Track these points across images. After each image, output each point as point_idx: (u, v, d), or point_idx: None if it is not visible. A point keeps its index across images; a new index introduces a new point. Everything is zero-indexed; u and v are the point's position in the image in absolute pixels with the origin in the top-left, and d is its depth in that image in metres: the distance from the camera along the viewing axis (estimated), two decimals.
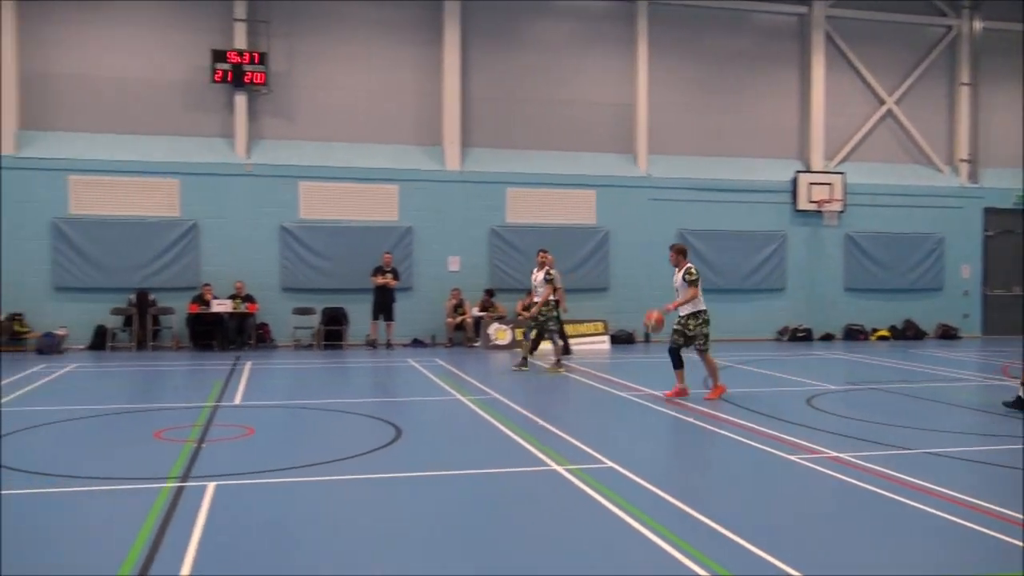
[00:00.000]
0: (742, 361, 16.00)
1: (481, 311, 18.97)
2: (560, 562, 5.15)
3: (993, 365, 15.77)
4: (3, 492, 6.52)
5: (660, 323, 11.52)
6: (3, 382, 12.55)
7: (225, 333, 17.83)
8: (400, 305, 18.63)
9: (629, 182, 20.41)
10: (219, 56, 18.23)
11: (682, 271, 11.25)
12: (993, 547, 5.36)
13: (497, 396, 11.48)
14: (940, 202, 22.14)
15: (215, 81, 18.27)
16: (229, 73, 18.26)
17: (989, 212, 22.53)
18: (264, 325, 18.53)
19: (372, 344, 18.58)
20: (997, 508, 6.10)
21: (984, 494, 6.47)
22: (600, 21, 20.57)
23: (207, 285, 17.92)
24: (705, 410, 10.38)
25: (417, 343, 19.09)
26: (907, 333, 21.58)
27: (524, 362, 14.45)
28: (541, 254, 14.74)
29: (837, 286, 21.68)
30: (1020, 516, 5.89)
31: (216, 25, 18.60)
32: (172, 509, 6.03)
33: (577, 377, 13.76)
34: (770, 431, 9.03)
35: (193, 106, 18.67)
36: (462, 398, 11.42)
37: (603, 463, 7.53)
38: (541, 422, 9.55)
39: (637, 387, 12.11)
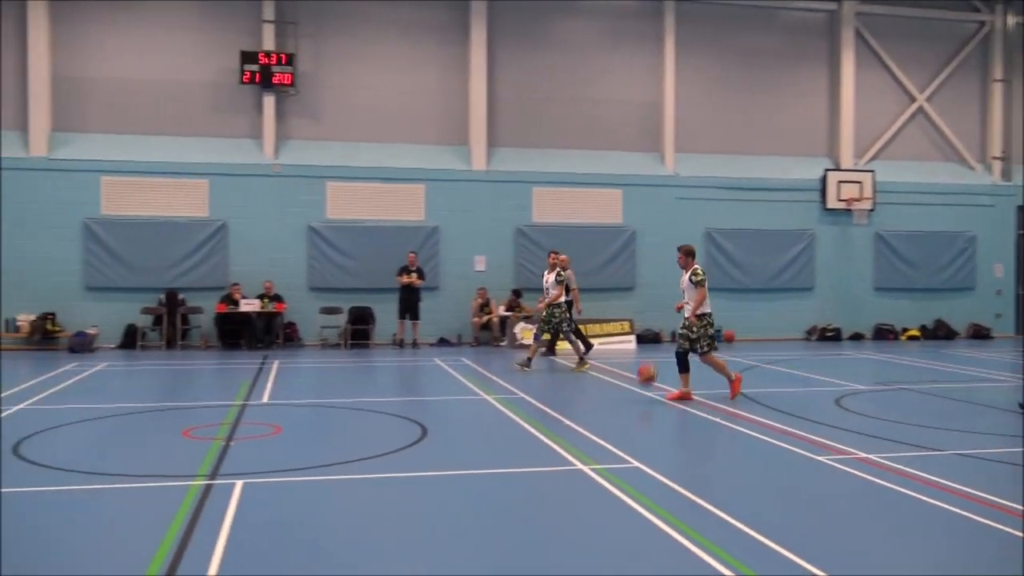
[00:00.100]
0: (770, 361, 15.88)
1: (507, 310, 18.98)
2: (586, 562, 5.14)
3: None
4: (33, 489, 6.63)
5: (652, 380, 11.63)
6: (35, 380, 12.74)
7: (253, 332, 17.97)
8: (426, 304, 18.68)
9: (656, 181, 20.33)
10: (248, 57, 18.38)
11: (689, 272, 11.16)
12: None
13: (523, 395, 11.48)
14: (972, 200, 21.85)
15: (244, 82, 18.42)
16: (257, 74, 18.40)
17: (1023, 210, 22.20)
18: (292, 324, 18.66)
19: (399, 343, 18.65)
20: None
21: (1014, 496, 6.38)
22: (627, 19, 20.50)
23: (236, 285, 18.07)
24: (732, 410, 10.31)
25: (443, 342, 19.13)
26: (938, 333, 21.32)
27: (528, 363, 14.28)
28: (552, 255, 14.73)
29: (866, 285, 21.46)
30: None
31: (244, 27, 18.76)
32: (200, 507, 6.09)
33: (603, 376, 13.73)
34: (797, 431, 8.96)
35: (222, 107, 18.84)
36: (488, 397, 11.43)
37: (629, 463, 7.51)
38: (567, 421, 9.54)
39: (663, 387, 12.06)
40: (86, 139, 18.23)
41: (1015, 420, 10.04)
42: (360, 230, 19.03)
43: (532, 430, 9.11)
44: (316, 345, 18.64)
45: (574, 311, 15.70)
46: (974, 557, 5.28)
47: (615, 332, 19.01)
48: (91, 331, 17.45)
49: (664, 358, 17.03)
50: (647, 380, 11.64)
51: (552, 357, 16.12)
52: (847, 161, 21.36)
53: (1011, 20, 21.96)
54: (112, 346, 17.83)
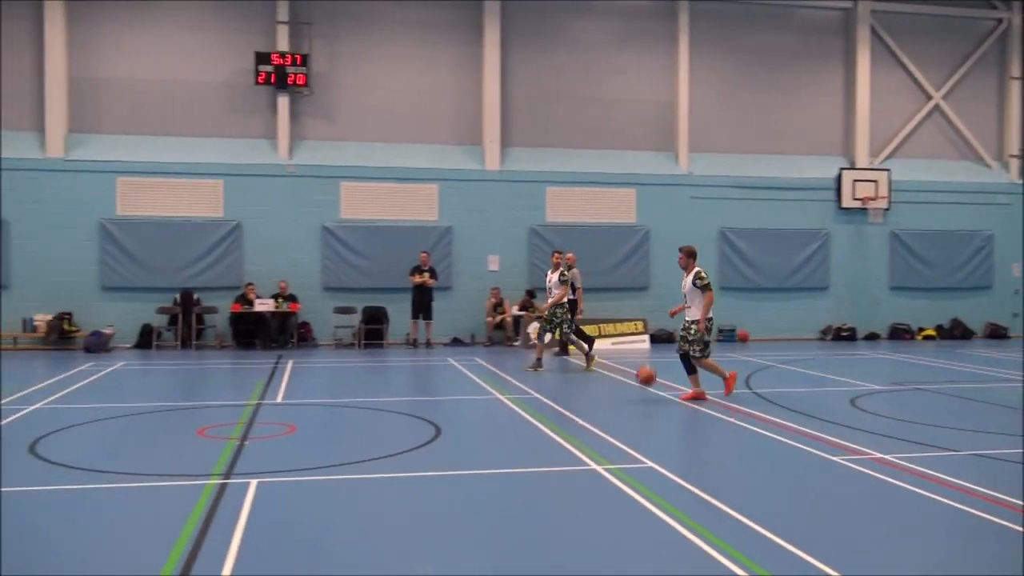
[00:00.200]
0: (784, 361, 15.82)
1: (521, 310, 18.98)
2: (599, 562, 5.14)
3: None
4: (49, 488, 6.68)
5: (651, 381, 11.54)
6: (52, 380, 12.83)
7: (267, 332, 18.04)
8: (440, 304, 18.70)
9: (670, 180, 20.28)
10: (262, 58, 18.45)
11: (691, 275, 11.02)
12: None
13: (536, 395, 11.48)
14: (989, 199, 21.70)
15: (258, 83, 18.49)
16: (272, 75, 18.47)
17: None
18: (306, 324, 18.71)
19: (412, 343, 18.68)
20: None
21: None
22: (640, 19, 20.46)
23: (250, 285, 18.15)
24: (746, 410, 10.28)
25: (457, 342, 19.15)
26: (954, 332, 21.18)
27: (538, 363, 14.25)
28: (556, 255, 14.69)
29: (882, 285, 21.34)
30: None
31: (259, 27, 18.83)
32: (215, 506, 6.12)
33: (616, 376, 13.71)
34: (812, 431, 8.92)
35: (237, 108, 18.91)
36: (501, 397, 11.43)
37: (642, 463, 7.49)
38: (580, 421, 9.53)
39: (676, 386, 12.03)
40: (102, 140, 18.34)
41: None
42: (374, 230, 19.07)
43: (546, 430, 9.10)
44: (330, 345, 18.69)
45: (577, 312, 15.55)
46: (991, 558, 5.24)
47: (628, 332, 18.98)
48: (107, 331, 17.55)
49: (676, 358, 16.98)
50: (646, 381, 11.55)
51: (565, 357, 16.11)
52: (862, 160, 21.25)
53: None
54: (128, 346, 17.94)
